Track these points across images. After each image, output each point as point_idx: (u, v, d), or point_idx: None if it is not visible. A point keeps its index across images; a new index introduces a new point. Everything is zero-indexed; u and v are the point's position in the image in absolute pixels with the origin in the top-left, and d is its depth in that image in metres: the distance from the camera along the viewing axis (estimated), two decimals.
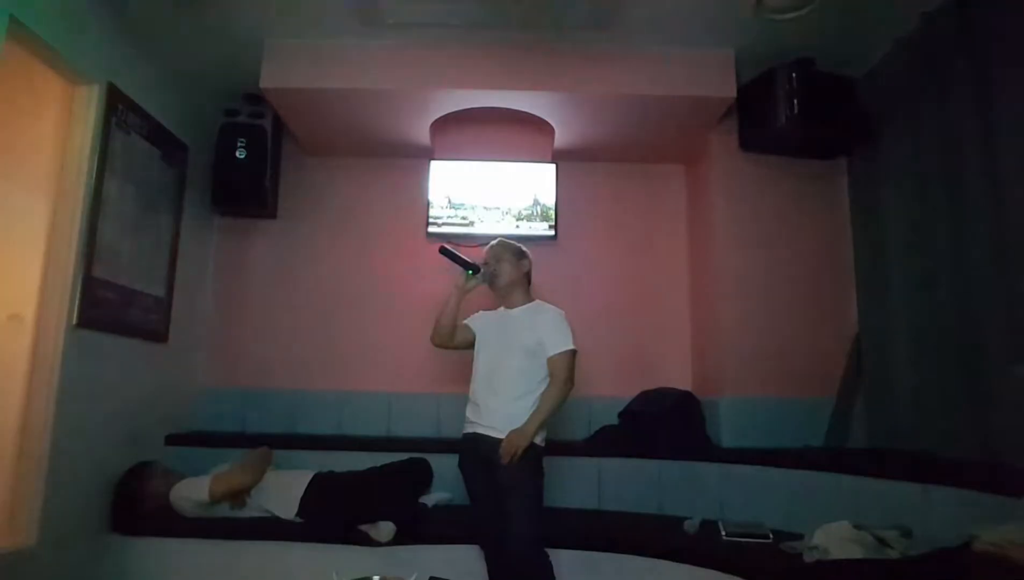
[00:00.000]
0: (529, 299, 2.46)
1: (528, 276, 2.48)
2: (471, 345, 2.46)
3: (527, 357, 2.27)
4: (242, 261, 3.53)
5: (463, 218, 3.39)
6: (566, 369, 2.26)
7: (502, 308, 2.49)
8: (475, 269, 2.43)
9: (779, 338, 3.00)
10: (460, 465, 2.37)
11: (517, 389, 2.25)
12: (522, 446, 2.14)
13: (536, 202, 3.41)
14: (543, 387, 2.26)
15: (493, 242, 2.51)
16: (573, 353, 2.29)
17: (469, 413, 2.35)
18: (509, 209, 3.39)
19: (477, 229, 3.38)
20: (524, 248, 2.51)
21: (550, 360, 2.27)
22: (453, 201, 3.39)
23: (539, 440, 2.23)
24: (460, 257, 2.47)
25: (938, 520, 1.97)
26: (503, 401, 2.24)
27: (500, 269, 2.41)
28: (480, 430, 2.27)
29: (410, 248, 3.49)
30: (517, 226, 3.39)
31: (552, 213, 3.40)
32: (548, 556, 2.16)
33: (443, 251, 2.48)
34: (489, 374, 2.32)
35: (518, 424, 2.18)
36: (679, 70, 2.86)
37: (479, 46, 2.84)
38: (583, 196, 3.56)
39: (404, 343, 3.32)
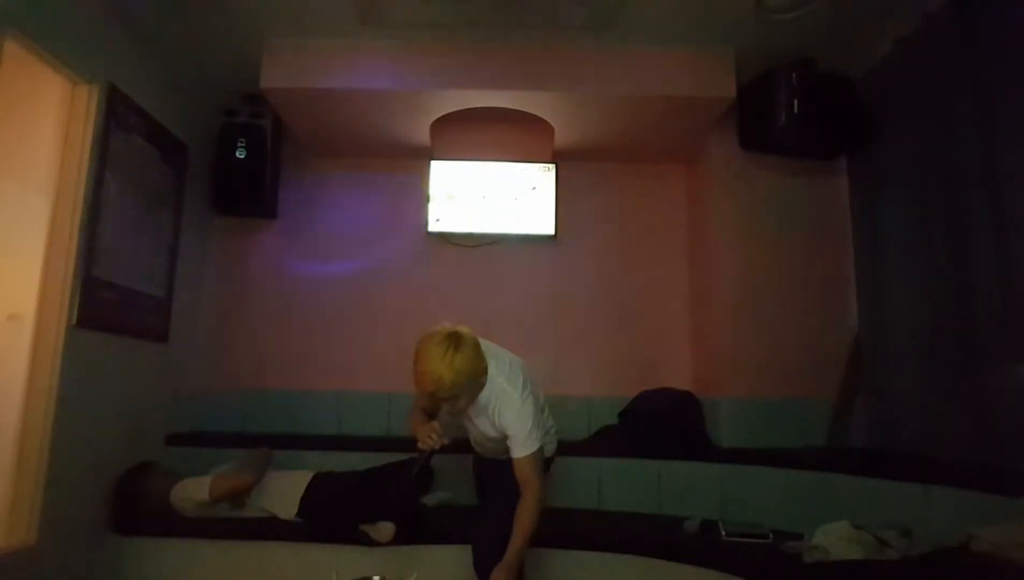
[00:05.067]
0: (484, 382, 2.02)
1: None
2: None
3: (504, 439, 2.06)
4: (242, 261, 3.52)
5: (463, 215, 3.39)
6: (533, 474, 1.97)
7: None
8: (432, 454, 2.06)
9: (779, 338, 3.00)
10: (473, 465, 2.40)
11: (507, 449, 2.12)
12: None
13: (536, 198, 3.41)
14: None
15: (434, 370, 1.87)
16: (540, 451, 2.02)
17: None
18: (509, 204, 3.39)
19: (477, 226, 3.38)
20: (476, 359, 1.95)
21: (515, 462, 1.99)
22: (453, 197, 3.39)
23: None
24: (415, 469, 2.11)
25: (938, 520, 1.98)
26: (496, 454, 2.19)
27: (452, 407, 1.99)
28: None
29: (410, 248, 3.49)
30: (516, 222, 3.39)
31: (552, 211, 3.40)
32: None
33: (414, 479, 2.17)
34: (474, 437, 2.23)
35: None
36: (679, 70, 2.86)
37: (479, 46, 2.84)
38: (583, 196, 3.56)
39: (403, 343, 3.30)
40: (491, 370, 2.02)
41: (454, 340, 1.90)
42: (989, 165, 2.23)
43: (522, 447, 1.98)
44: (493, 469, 2.19)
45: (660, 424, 2.92)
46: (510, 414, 1.99)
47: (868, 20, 2.61)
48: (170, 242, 3.02)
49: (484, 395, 2.02)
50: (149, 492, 2.55)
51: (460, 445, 2.44)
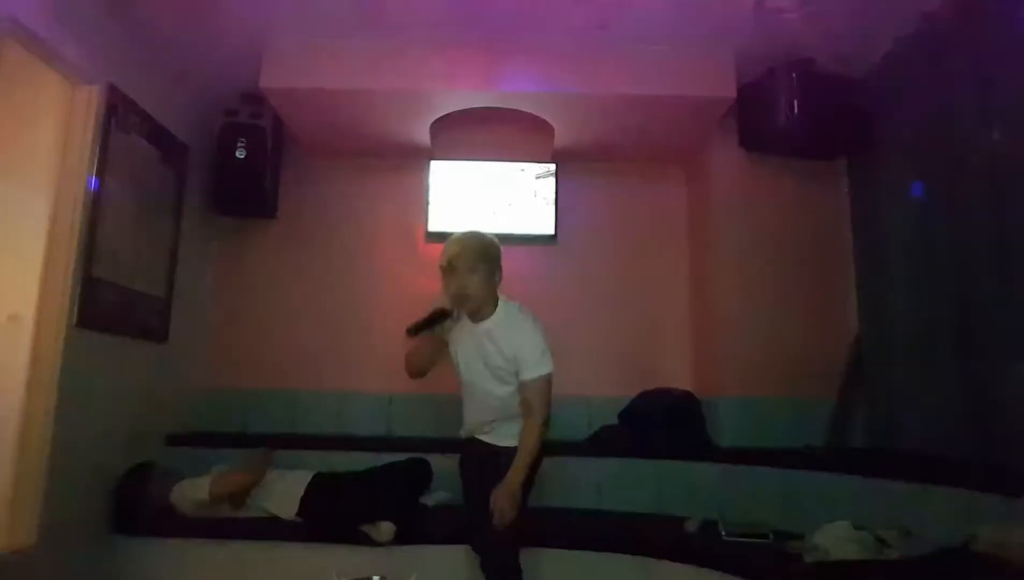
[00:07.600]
0: (496, 306, 2.10)
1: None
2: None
3: (508, 382, 2.08)
4: (242, 261, 3.53)
5: (463, 215, 3.38)
6: (542, 398, 2.00)
7: (466, 319, 2.15)
8: (447, 315, 2.12)
9: (779, 338, 3.00)
10: (460, 464, 2.34)
11: (505, 411, 2.13)
12: (513, 505, 1.94)
13: (536, 200, 3.40)
14: None
15: (460, 241, 2.07)
16: (550, 377, 2.03)
17: (464, 418, 2.30)
18: (509, 205, 3.39)
19: (477, 226, 3.36)
20: (497, 246, 2.11)
21: (524, 385, 2.02)
22: (453, 197, 3.38)
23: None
24: (430, 318, 2.13)
25: (938, 520, 1.97)
26: (494, 421, 2.19)
27: (469, 283, 2.01)
28: (477, 436, 2.27)
29: (410, 248, 3.49)
30: (515, 222, 3.38)
31: (552, 211, 3.40)
32: (518, 558, 2.05)
33: (415, 331, 2.14)
34: (473, 394, 2.20)
35: (514, 437, 2.10)
36: (679, 70, 2.86)
37: (478, 46, 2.84)
38: (583, 196, 3.56)
39: (404, 343, 3.30)
40: (502, 299, 2.12)
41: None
42: (989, 164, 2.23)
43: (534, 368, 1.99)
44: (480, 470, 2.17)
45: (660, 424, 2.92)
46: (522, 335, 2.03)
47: (868, 20, 2.61)
48: (170, 242, 3.02)
49: (494, 319, 2.07)
50: (149, 492, 2.55)
51: (460, 447, 2.43)
